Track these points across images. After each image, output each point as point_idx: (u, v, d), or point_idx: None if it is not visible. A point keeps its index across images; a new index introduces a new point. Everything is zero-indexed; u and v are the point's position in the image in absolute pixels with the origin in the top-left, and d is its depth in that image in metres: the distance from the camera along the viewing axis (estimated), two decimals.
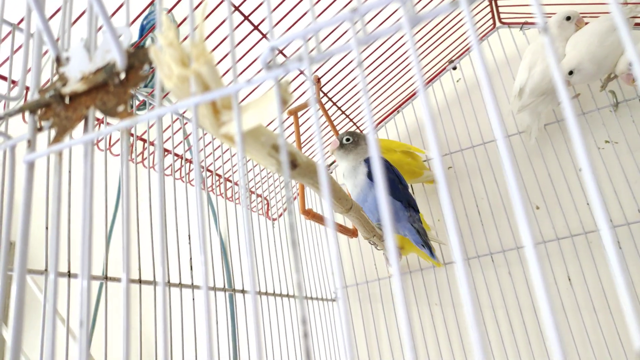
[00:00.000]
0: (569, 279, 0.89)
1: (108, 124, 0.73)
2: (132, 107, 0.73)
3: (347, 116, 1.01)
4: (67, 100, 0.31)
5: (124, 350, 0.27)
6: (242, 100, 0.79)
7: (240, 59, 0.51)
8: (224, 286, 0.69)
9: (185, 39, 0.35)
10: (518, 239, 0.94)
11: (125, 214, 0.29)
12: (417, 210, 0.83)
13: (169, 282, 0.61)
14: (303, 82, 0.85)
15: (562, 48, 0.89)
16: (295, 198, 1.09)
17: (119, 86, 0.29)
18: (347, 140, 0.81)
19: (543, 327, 0.88)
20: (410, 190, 0.97)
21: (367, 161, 0.80)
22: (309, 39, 0.24)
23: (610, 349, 0.83)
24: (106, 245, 0.60)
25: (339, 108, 0.98)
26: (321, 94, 0.84)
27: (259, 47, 0.68)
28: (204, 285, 0.23)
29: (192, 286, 0.63)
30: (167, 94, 0.89)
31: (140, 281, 0.57)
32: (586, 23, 0.90)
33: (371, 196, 0.79)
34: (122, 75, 0.29)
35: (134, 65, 0.29)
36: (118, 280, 0.56)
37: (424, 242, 0.82)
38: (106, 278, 0.55)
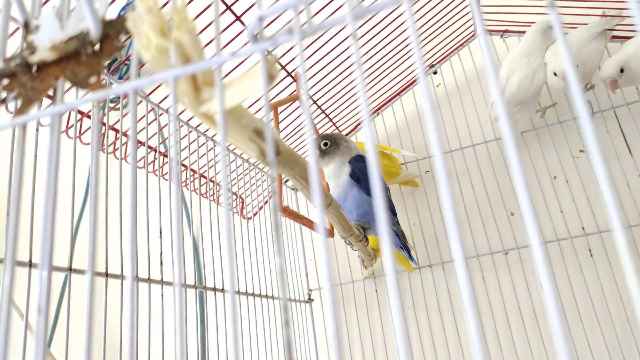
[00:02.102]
0: (541, 285, 0.90)
1: (80, 112, 0.70)
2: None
3: (327, 115, 1.00)
4: (34, 70, 0.28)
5: (86, 347, 0.25)
6: (226, 76, 0.77)
7: (225, 29, 0.49)
8: (195, 283, 0.67)
9: (166, 4, 0.33)
10: (492, 244, 0.95)
11: (92, 201, 0.27)
12: (394, 213, 0.83)
13: (137, 276, 0.58)
14: (284, 78, 0.84)
15: (542, 57, 0.90)
16: (271, 196, 1.07)
17: (92, 56, 0.27)
18: (325, 144, 0.80)
19: (513, 332, 0.89)
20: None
21: (351, 162, 0.80)
22: (301, 11, 0.22)
23: (580, 356, 0.84)
24: (72, 235, 0.57)
25: (319, 107, 0.97)
26: (302, 92, 0.83)
27: (246, 18, 0.66)
28: (177, 283, 0.21)
29: (162, 282, 0.61)
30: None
31: (106, 274, 0.55)
32: (565, 34, 0.91)
33: (352, 195, 0.78)
34: (97, 46, 0.27)
35: (109, 35, 0.27)
36: (83, 272, 0.53)
37: (403, 244, 0.82)
38: (70, 270, 0.52)
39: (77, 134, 0.74)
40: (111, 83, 0.68)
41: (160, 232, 0.65)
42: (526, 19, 0.96)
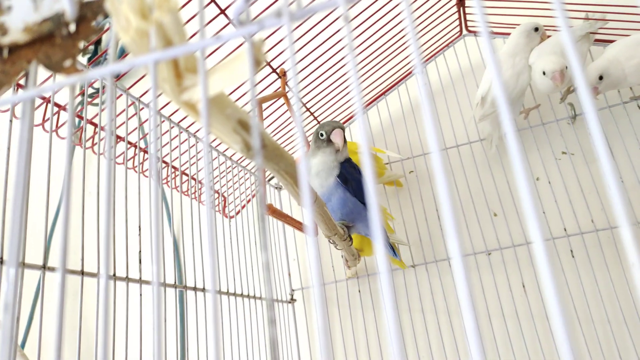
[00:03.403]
0: (524, 286, 0.90)
1: (57, 105, 0.67)
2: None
3: (312, 114, 0.99)
4: (5, 53, 0.27)
5: (55, 348, 0.23)
6: (208, 56, 0.75)
7: (207, 4, 0.47)
8: (175, 282, 0.65)
9: None
10: (475, 244, 0.95)
11: (65, 196, 0.26)
12: None
13: (114, 275, 0.56)
14: (269, 75, 0.82)
15: (526, 59, 0.90)
16: (254, 195, 1.05)
17: (67, 39, 0.25)
18: (321, 135, 0.79)
19: (495, 333, 0.89)
20: None
21: (341, 163, 0.80)
22: None
23: (560, 357, 0.84)
24: (46, 233, 0.54)
25: (304, 105, 0.96)
26: (287, 88, 0.81)
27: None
28: (155, 282, 0.20)
29: (140, 281, 0.59)
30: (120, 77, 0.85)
31: (82, 273, 0.53)
32: (548, 36, 0.92)
33: (336, 196, 0.78)
34: (72, 27, 0.26)
35: (86, 16, 0.26)
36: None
37: (387, 242, 0.81)
38: (45, 267, 0.50)
39: (54, 128, 0.71)
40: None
41: (140, 230, 0.63)
42: (511, 20, 0.96)
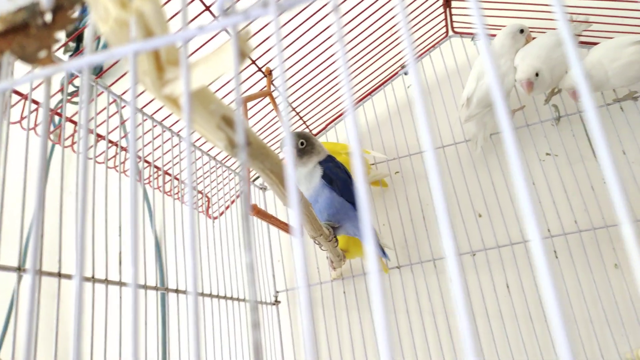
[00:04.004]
0: (508, 287, 0.91)
1: (35, 102, 0.65)
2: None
3: (298, 114, 0.98)
4: None
5: (25, 350, 0.22)
6: (192, 54, 0.74)
7: (191, 1, 0.46)
8: (156, 284, 0.64)
9: None
10: (460, 245, 0.95)
11: (38, 195, 0.24)
12: None
13: (93, 277, 0.55)
14: (254, 73, 0.81)
15: (512, 60, 0.91)
16: (238, 196, 1.04)
17: (42, 29, 0.24)
18: (302, 144, 0.77)
19: (480, 333, 0.89)
20: None
21: (322, 163, 0.78)
22: None
23: (544, 357, 0.85)
24: (21, 234, 0.53)
25: (290, 104, 0.95)
26: (272, 87, 0.80)
27: None
28: (132, 283, 0.19)
29: (120, 283, 0.57)
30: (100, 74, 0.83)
31: (59, 275, 0.51)
32: (533, 38, 0.92)
33: (323, 197, 0.77)
34: (48, 17, 0.25)
35: (62, 6, 0.24)
36: (38, 273, 0.49)
37: (376, 241, 0.80)
38: (20, 269, 0.48)
39: (32, 126, 0.69)
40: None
41: (120, 230, 0.62)
42: (497, 22, 0.96)
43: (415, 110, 1.04)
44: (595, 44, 0.89)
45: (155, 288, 0.62)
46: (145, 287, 0.61)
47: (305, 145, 0.77)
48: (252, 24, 0.70)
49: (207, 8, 0.65)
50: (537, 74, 0.84)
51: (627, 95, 0.91)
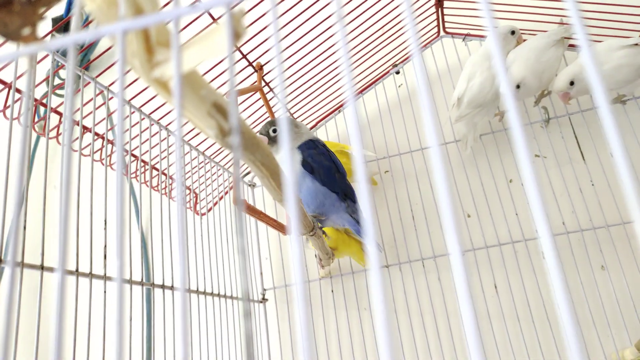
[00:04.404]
0: (495, 287, 0.91)
1: (18, 91, 0.64)
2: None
3: (288, 110, 0.97)
4: None
5: (2, 346, 0.21)
6: (183, 29, 0.73)
7: None
8: (142, 280, 0.62)
9: None
10: (449, 245, 0.95)
11: (17, 187, 0.24)
12: (354, 201, 0.79)
13: (77, 270, 0.53)
14: (245, 67, 0.80)
15: (502, 62, 0.91)
16: (227, 192, 1.03)
17: (26, 5, 0.23)
18: (274, 131, 0.74)
19: (468, 335, 0.89)
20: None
21: (301, 147, 0.75)
22: None
23: (531, 357, 0.85)
24: (2, 226, 0.51)
25: (281, 101, 0.94)
26: (263, 83, 0.80)
27: None
28: (118, 278, 0.18)
29: (105, 277, 0.56)
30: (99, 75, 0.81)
31: (42, 267, 0.50)
32: (524, 40, 0.93)
33: (305, 186, 0.73)
34: None
35: None
36: (19, 265, 0.48)
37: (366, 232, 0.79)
38: (0, 261, 0.47)
39: (16, 115, 0.68)
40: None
41: (105, 224, 0.60)
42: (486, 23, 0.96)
43: (405, 110, 1.04)
44: None
45: (141, 283, 0.61)
46: (130, 282, 0.59)
47: (277, 132, 0.73)
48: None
49: None
50: (518, 86, 0.85)
51: (616, 99, 0.92)
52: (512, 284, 0.89)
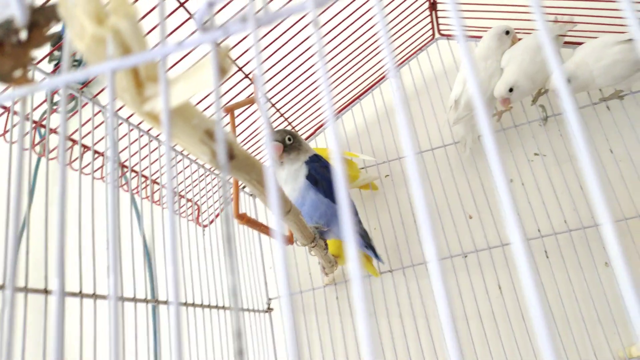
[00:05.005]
0: (500, 288, 0.91)
1: (46, 128, 0.64)
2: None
3: (286, 119, 0.98)
4: None
5: None
6: (170, 68, 0.73)
7: (174, 10, 0.45)
8: (146, 297, 0.63)
9: None
10: (452, 247, 0.95)
11: (15, 209, 0.24)
12: (355, 213, 0.81)
13: (80, 292, 0.54)
14: (241, 80, 0.81)
15: (499, 62, 0.91)
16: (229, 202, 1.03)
17: (17, 47, 0.24)
18: (289, 139, 0.76)
19: (473, 335, 0.89)
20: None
21: (308, 163, 0.77)
22: None
23: (537, 357, 0.85)
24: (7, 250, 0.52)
25: (278, 110, 0.94)
26: (258, 86, 0.80)
27: (194, 4, 0.63)
28: (112, 295, 0.18)
29: (94, 296, 0.56)
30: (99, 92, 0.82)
31: (46, 291, 0.50)
32: (519, 39, 0.93)
33: (309, 199, 0.75)
34: (23, 35, 0.24)
35: (38, 23, 0.24)
36: (23, 290, 0.48)
37: (367, 244, 0.80)
38: (2, 287, 0.47)
39: (15, 139, 0.68)
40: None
41: (108, 243, 0.61)
42: (483, 24, 0.97)
43: (399, 115, 1.04)
44: (580, 43, 0.90)
45: (145, 300, 0.61)
46: (134, 299, 0.60)
47: (292, 141, 0.76)
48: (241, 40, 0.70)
49: (192, 16, 0.64)
50: (511, 89, 0.86)
51: (613, 94, 0.92)
52: (516, 284, 0.89)
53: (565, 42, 0.93)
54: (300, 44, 0.83)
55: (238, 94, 0.85)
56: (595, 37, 0.88)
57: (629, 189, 0.88)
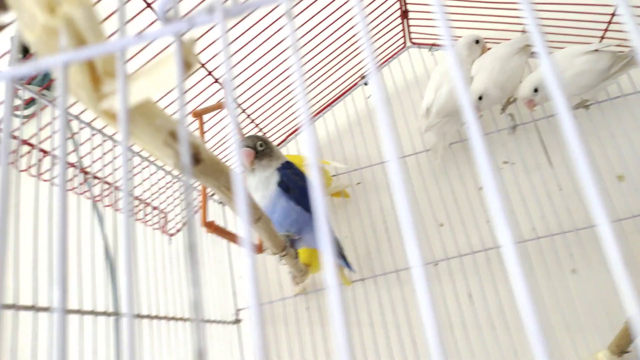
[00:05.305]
0: (470, 296, 0.91)
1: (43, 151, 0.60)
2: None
3: (257, 125, 0.96)
4: None
5: None
6: (129, 60, 0.70)
7: (127, 0, 0.43)
8: (106, 309, 0.60)
9: None
10: (423, 256, 0.95)
11: None
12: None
13: (37, 305, 0.50)
14: (211, 85, 0.79)
15: (469, 71, 0.92)
16: (196, 211, 1.00)
17: None
18: (261, 146, 0.74)
19: (446, 344, 0.88)
20: None
21: (279, 170, 0.75)
22: None
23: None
24: None
25: (249, 116, 0.92)
26: (225, 87, 0.78)
27: None
28: (58, 307, 0.16)
29: (35, 308, 0.53)
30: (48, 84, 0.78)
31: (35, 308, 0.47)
32: (489, 48, 0.94)
33: (280, 206, 0.73)
34: None
35: None
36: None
37: (339, 252, 0.78)
38: None
39: None
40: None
41: (50, 251, 0.57)
42: (453, 33, 0.98)
43: (376, 121, 1.04)
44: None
45: (106, 313, 0.58)
46: (94, 312, 0.57)
47: (264, 147, 0.74)
48: (206, 31, 0.68)
49: (149, 5, 0.61)
50: (480, 97, 0.87)
51: (580, 104, 0.94)
52: (486, 292, 0.90)
53: (534, 52, 0.95)
54: (271, 50, 0.82)
55: (207, 99, 0.82)
56: (563, 47, 0.90)
57: None
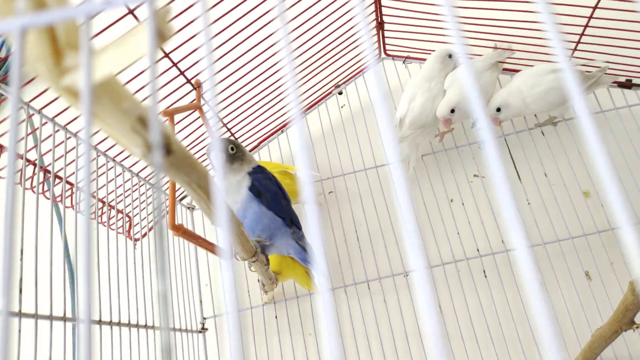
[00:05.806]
0: (440, 307, 0.91)
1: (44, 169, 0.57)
2: None
3: (229, 130, 0.94)
4: None
5: None
6: (98, 35, 0.68)
7: None
8: (64, 314, 0.56)
9: None
10: (394, 266, 0.94)
11: None
12: (300, 227, 0.78)
13: None
14: (183, 85, 0.77)
15: (442, 83, 0.93)
16: (164, 216, 0.97)
17: None
18: (232, 149, 0.71)
19: (413, 355, 0.88)
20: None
21: (251, 174, 0.73)
22: None
23: None
24: None
25: (221, 120, 0.91)
26: (202, 101, 0.76)
27: None
28: (3, 310, 0.15)
29: (20, 314, 0.50)
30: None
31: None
32: (461, 64, 0.95)
33: (251, 211, 0.71)
34: None
35: None
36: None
37: (312, 260, 0.77)
38: None
39: None
40: None
41: (22, 254, 0.54)
42: (427, 46, 0.99)
43: (348, 131, 1.04)
44: (518, 70, 0.93)
45: (63, 319, 0.55)
46: (50, 317, 0.53)
47: (235, 151, 0.71)
48: (179, 34, 0.66)
49: None
50: (452, 110, 0.88)
51: (547, 121, 0.96)
52: (455, 303, 0.90)
53: (505, 69, 0.97)
54: (248, 51, 0.81)
55: (179, 100, 0.80)
56: (532, 65, 0.92)
57: (562, 211, 0.91)
